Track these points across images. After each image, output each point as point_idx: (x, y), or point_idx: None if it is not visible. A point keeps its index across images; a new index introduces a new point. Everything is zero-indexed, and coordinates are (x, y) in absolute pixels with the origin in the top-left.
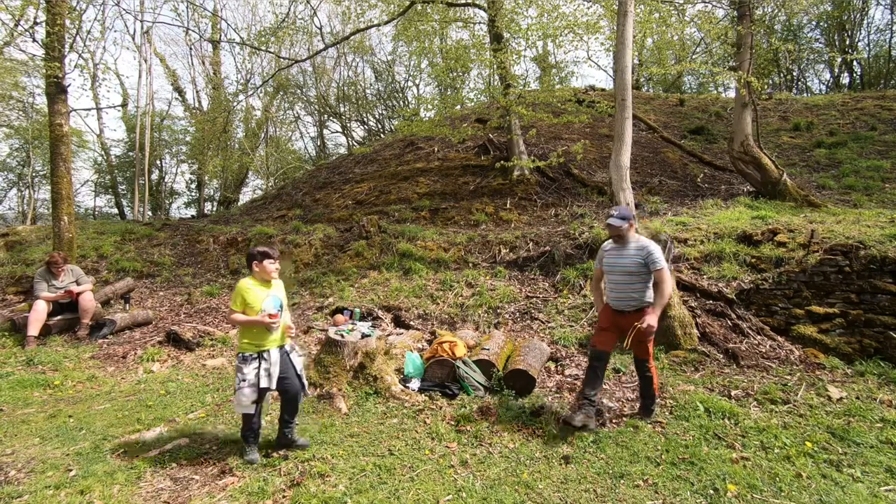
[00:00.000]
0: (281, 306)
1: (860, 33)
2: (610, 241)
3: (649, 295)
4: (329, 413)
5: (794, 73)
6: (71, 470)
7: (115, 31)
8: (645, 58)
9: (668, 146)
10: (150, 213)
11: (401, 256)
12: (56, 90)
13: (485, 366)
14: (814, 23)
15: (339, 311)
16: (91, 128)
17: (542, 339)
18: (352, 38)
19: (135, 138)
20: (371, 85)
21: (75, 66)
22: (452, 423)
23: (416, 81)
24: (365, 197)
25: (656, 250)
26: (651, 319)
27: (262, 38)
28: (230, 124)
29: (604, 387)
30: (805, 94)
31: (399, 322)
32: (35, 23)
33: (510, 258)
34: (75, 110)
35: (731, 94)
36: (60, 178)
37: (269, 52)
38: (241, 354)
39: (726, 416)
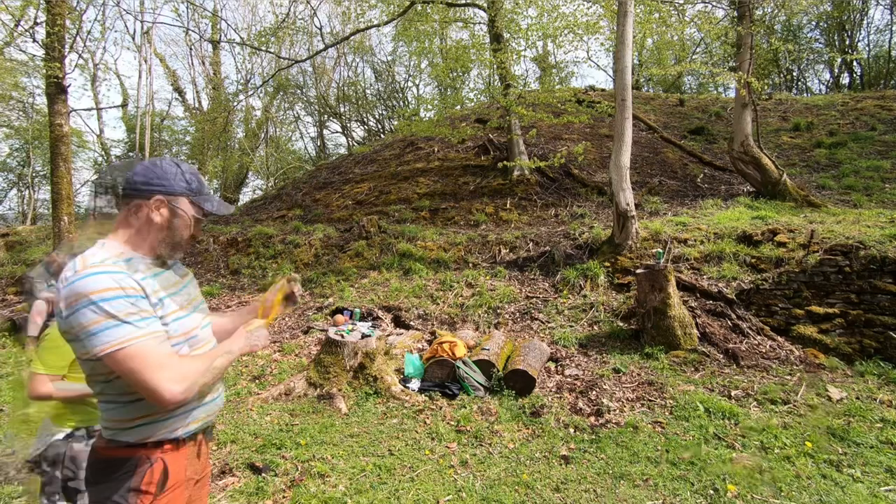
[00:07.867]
0: None
1: (860, 33)
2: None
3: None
4: (329, 413)
5: (794, 73)
6: None
7: (115, 32)
8: (645, 58)
9: (668, 146)
10: None
11: (401, 256)
12: (56, 90)
13: (485, 366)
14: (814, 23)
15: (339, 311)
16: (91, 128)
17: (542, 339)
18: (352, 38)
19: (135, 138)
20: (371, 85)
21: (75, 67)
22: (452, 423)
23: (416, 81)
24: (365, 197)
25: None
26: None
27: (262, 39)
28: (230, 124)
29: (604, 387)
30: (805, 94)
31: (399, 322)
32: (35, 23)
33: (510, 258)
34: (75, 110)
35: (731, 94)
36: (60, 178)
37: (269, 52)
38: None
39: (726, 416)
